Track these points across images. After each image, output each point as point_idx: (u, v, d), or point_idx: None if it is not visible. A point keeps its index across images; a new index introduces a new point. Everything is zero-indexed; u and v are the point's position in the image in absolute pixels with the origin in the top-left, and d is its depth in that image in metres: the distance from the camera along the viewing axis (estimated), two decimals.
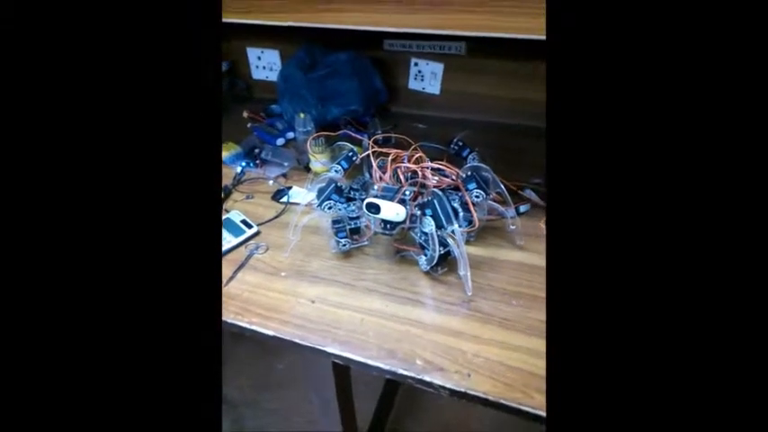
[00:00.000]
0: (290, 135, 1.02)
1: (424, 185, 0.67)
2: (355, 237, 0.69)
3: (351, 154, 0.72)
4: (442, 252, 0.61)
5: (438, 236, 0.61)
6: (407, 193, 0.64)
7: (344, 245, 0.68)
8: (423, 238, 0.64)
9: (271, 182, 0.88)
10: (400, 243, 0.69)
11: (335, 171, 0.71)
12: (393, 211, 0.62)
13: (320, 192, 0.68)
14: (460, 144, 0.76)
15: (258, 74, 1.20)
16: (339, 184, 0.68)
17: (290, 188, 0.85)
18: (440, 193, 0.62)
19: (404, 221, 0.63)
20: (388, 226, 0.64)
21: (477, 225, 0.65)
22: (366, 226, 0.68)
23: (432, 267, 0.63)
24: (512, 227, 0.69)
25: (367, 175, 0.74)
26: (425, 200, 0.63)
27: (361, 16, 0.58)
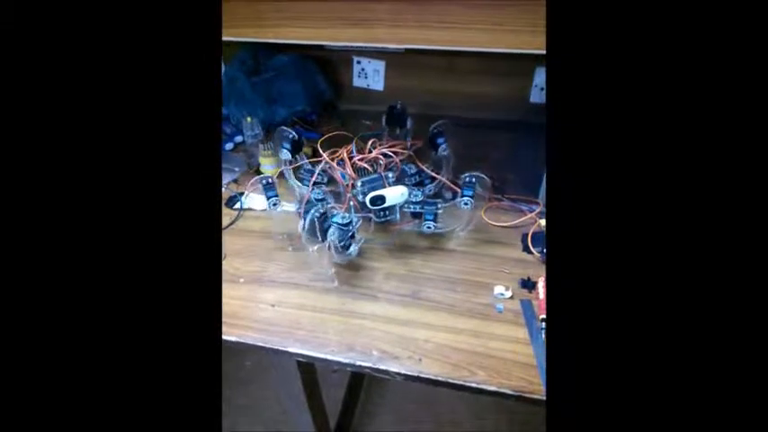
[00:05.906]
0: (239, 139, 1.03)
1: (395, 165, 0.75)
2: (354, 239, 0.68)
3: (291, 135, 0.75)
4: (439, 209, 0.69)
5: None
6: (390, 176, 0.70)
7: (352, 251, 0.66)
8: (414, 208, 0.69)
9: (223, 188, 0.89)
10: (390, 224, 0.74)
11: (284, 157, 0.74)
12: (398, 193, 0.66)
13: (315, 229, 0.64)
14: (399, 109, 0.81)
15: None
16: (322, 210, 0.66)
17: (242, 194, 0.87)
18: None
19: (405, 201, 0.68)
20: (387, 213, 0.68)
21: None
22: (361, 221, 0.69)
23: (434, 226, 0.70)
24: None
25: (297, 185, 0.76)
26: (467, 179, 0.70)
27: (302, 32, 0.61)
